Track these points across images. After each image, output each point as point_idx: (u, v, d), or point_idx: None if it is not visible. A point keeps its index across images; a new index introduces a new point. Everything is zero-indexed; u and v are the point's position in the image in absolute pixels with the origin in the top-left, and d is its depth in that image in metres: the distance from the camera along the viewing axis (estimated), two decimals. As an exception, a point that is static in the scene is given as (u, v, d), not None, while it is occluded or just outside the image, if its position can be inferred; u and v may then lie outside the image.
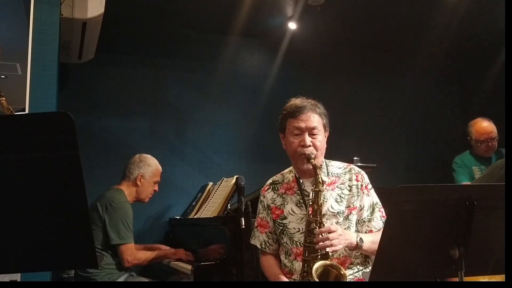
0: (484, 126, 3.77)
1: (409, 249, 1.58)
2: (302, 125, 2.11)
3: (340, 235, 1.94)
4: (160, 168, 3.45)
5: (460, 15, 4.32)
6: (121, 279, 3.11)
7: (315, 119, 2.12)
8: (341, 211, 2.12)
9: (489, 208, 1.56)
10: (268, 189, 2.30)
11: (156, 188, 3.45)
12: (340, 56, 5.20)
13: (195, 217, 3.66)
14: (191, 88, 4.76)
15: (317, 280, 1.88)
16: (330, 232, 1.93)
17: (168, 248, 3.49)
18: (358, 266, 2.15)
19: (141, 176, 3.34)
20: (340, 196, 2.15)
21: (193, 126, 4.71)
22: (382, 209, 2.19)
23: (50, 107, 2.71)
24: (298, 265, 2.09)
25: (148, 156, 3.44)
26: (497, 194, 1.56)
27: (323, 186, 2.06)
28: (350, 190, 2.16)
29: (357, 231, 2.15)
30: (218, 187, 3.62)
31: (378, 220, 2.17)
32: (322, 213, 2.04)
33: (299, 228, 2.13)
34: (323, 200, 2.09)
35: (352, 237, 2.01)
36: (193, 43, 4.80)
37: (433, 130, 5.43)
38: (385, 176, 4.02)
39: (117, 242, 3.07)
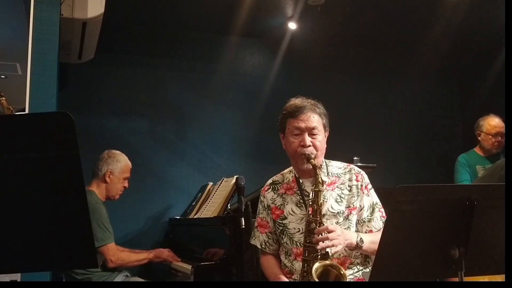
0: (497, 120, 3.82)
1: (409, 249, 1.58)
2: (302, 125, 2.11)
3: (340, 235, 1.94)
4: (129, 164, 3.35)
5: (460, 15, 4.31)
6: (118, 279, 3.09)
7: (315, 119, 2.12)
8: (341, 211, 2.12)
9: (489, 208, 1.56)
10: (268, 189, 2.30)
11: (126, 184, 3.34)
12: (340, 56, 5.20)
13: (195, 217, 3.66)
14: (191, 88, 4.76)
15: (317, 280, 1.88)
16: (329, 231, 1.93)
17: (148, 252, 3.41)
18: (358, 266, 2.15)
19: (110, 172, 3.25)
20: (340, 196, 2.15)
21: (193, 126, 4.71)
22: (382, 209, 2.19)
23: (50, 107, 2.71)
24: (298, 265, 2.09)
25: (117, 152, 3.35)
26: (497, 194, 1.56)
27: (323, 186, 2.07)
28: (350, 190, 2.16)
29: (357, 231, 2.15)
30: (218, 187, 3.62)
31: (378, 220, 2.17)
32: (322, 213, 2.04)
33: (299, 228, 2.13)
34: (323, 200, 2.09)
35: (352, 237, 2.01)
36: (193, 43, 4.80)
37: (433, 130, 5.43)
38: (385, 176, 4.02)
39: (96, 246, 2.97)
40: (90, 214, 3.14)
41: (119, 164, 3.29)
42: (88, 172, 3.27)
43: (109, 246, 3.05)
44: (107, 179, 3.25)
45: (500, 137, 3.78)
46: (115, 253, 3.08)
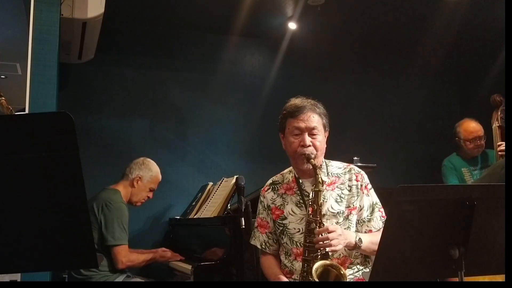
0: (472, 125, 3.81)
1: (409, 249, 1.58)
2: (302, 125, 2.11)
3: (340, 235, 1.94)
4: (160, 177, 3.44)
5: (460, 15, 4.31)
6: (119, 279, 3.10)
7: (315, 119, 2.12)
8: (341, 211, 2.12)
9: (489, 208, 1.56)
10: (268, 189, 2.30)
11: (151, 195, 3.43)
12: (340, 56, 5.20)
13: (195, 217, 3.66)
14: (191, 88, 4.76)
15: (317, 280, 1.88)
16: (329, 232, 1.93)
17: (155, 251, 3.43)
18: (358, 266, 2.15)
19: (139, 178, 3.33)
20: (340, 196, 2.15)
21: (193, 126, 4.71)
22: (382, 209, 2.19)
23: (50, 107, 2.71)
24: (298, 265, 2.09)
25: (153, 162, 3.44)
26: (497, 194, 1.56)
27: (323, 186, 2.06)
28: (350, 190, 2.16)
29: (357, 231, 2.15)
30: (218, 187, 3.62)
31: (378, 220, 2.17)
32: (322, 213, 2.04)
33: (299, 229, 2.13)
34: (323, 200, 2.09)
35: (351, 237, 2.02)
36: (193, 43, 4.80)
37: (433, 130, 5.42)
38: (385, 176, 4.02)
39: (112, 243, 3.03)
40: (112, 212, 3.21)
41: (150, 173, 3.37)
42: (88, 172, 3.27)
43: (123, 247, 3.08)
44: (135, 183, 3.32)
45: (478, 141, 3.77)
46: (127, 254, 3.10)
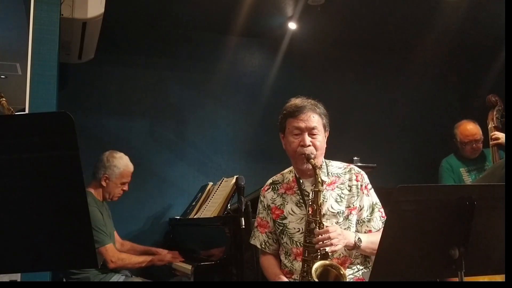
0: (469, 128, 3.78)
1: (409, 249, 1.58)
2: (302, 125, 2.11)
3: (340, 235, 1.94)
4: (130, 168, 3.22)
5: (460, 15, 4.32)
6: (114, 279, 3.07)
7: (315, 119, 2.12)
8: (341, 211, 2.12)
9: (489, 208, 1.56)
10: (268, 189, 2.30)
11: (125, 188, 3.24)
12: (340, 56, 5.20)
13: (195, 217, 3.66)
14: (191, 88, 4.76)
15: (316, 280, 1.88)
16: (329, 232, 1.93)
17: (153, 256, 3.38)
18: (358, 266, 2.15)
19: (106, 177, 3.15)
20: (340, 196, 2.15)
21: (193, 126, 4.71)
22: (382, 209, 2.19)
23: (50, 107, 2.71)
24: (298, 265, 2.09)
25: (118, 155, 3.22)
26: (497, 194, 1.56)
27: (322, 186, 2.07)
28: (350, 190, 2.17)
29: (357, 231, 2.15)
30: (218, 187, 3.63)
31: (378, 220, 2.17)
32: (322, 213, 2.04)
33: (299, 228, 2.13)
34: (323, 200, 2.09)
35: (350, 236, 2.02)
36: (193, 43, 4.80)
37: (433, 130, 5.42)
38: (385, 176, 4.02)
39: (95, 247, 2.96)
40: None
41: (117, 170, 3.17)
42: (89, 172, 3.26)
43: (107, 247, 3.01)
44: (103, 183, 3.17)
45: (474, 144, 3.76)
46: (114, 253, 3.05)
